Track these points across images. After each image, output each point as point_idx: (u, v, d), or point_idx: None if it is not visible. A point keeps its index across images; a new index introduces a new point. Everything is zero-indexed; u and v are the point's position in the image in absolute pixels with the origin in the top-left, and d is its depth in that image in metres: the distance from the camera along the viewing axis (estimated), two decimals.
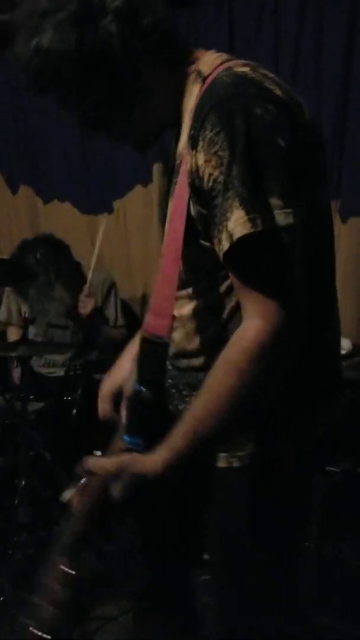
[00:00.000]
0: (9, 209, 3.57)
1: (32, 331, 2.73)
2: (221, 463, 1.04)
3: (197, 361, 1.06)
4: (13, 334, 2.88)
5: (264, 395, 0.92)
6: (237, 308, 0.96)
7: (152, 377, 1.02)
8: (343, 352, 2.32)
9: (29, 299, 2.79)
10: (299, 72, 2.52)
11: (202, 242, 0.96)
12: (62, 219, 3.31)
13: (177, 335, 1.07)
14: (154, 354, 1.02)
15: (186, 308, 1.06)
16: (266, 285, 0.87)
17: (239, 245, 0.86)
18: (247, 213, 0.84)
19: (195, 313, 1.05)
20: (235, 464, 1.03)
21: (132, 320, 2.93)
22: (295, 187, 0.88)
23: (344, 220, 2.48)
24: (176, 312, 1.05)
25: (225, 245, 0.87)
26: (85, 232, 3.24)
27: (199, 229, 0.95)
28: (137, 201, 3.05)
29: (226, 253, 0.88)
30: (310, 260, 0.93)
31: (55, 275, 2.71)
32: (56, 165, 3.32)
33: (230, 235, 0.86)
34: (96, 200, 3.19)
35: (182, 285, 1.03)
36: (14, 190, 3.52)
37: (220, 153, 0.86)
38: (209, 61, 0.99)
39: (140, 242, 3.10)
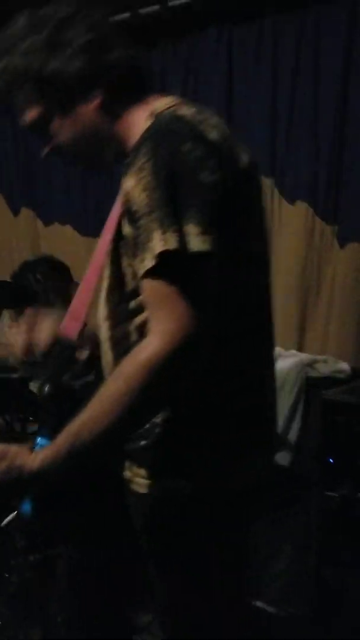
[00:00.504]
0: (9, 231, 3.61)
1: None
2: (141, 489, 1.04)
3: None
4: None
5: (146, 415, 0.95)
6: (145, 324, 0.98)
7: (56, 374, 1.08)
8: (341, 376, 2.33)
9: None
10: (296, 100, 2.56)
11: (124, 256, 1.01)
12: (62, 241, 3.34)
13: (103, 360, 1.09)
14: (62, 354, 1.09)
15: (127, 327, 1.06)
16: (171, 306, 0.90)
17: (153, 263, 0.89)
18: (164, 233, 0.89)
19: (112, 335, 1.07)
20: (146, 492, 1.03)
21: None
22: (216, 220, 0.91)
23: (342, 245, 2.50)
24: (109, 332, 1.07)
25: (142, 262, 0.91)
26: (85, 254, 3.28)
27: (124, 245, 1.00)
28: None
29: (141, 268, 0.92)
30: (239, 307, 0.99)
31: (54, 295, 2.72)
32: (56, 187, 3.37)
33: (149, 252, 0.90)
34: (96, 222, 3.23)
35: (111, 306, 1.06)
36: (15, 212, 3.57)
37: (146, 179, 0.92)
38: (164, 102, 1.05)
39: None
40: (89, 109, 1.07)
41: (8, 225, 3.60)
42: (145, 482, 1.03)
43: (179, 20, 2.71)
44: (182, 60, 2.83)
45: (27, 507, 1.03)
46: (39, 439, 1.03)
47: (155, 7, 2.69)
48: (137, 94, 1.08)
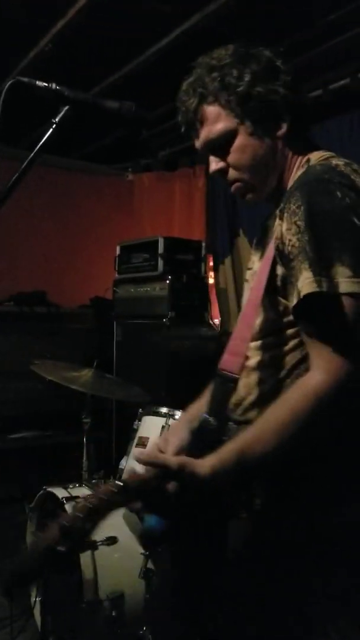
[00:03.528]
0: None
1: None
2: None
3: (252, 414, 1.14)
4: None
5: (304, 440, 1.01)
6: (296, 366, 1.08)
7: (219, 409, 1.13)
8: None
9: None
10: None
11: (280, 298, 1.11)
12: None
13: (240, 384, 1.15)
14: (223, 388, 1.14)
15: (253, 359, 1.16)
16: (330, 343, 0.98)
17: (306, 302, 0.98)
18: (314, 275, 0.96)
19: (260, 365, 1.15)
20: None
21: None
22: None
23: None
24: (254, 363, 1.16)
25: (294, 300, 1.01)
26: None
27: (279, 286, 1.10)
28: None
29: (294, 307, 1.02)
30: None
31: None
32: None
33: (299, 293, 0.99)
34: None
35: (254, 337, 1.15)
36: None
37: (298, 222, 1.01)
38: (318, 154, 1.16)
39: None
40: (274, 135, 1.16)
41: None
42: (261, 502, 1.09)
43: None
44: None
45: (152, 520, 1.08)
46: None
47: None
48: (303, 141, 1.19)
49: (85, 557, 2.11)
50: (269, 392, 1.12)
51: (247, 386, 1.16)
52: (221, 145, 1.17)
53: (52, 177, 4.47)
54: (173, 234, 4.10)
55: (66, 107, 1.15)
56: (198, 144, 1.21)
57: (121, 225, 4.73)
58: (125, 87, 3.26)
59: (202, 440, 1.10)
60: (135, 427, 2.36)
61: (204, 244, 3.79)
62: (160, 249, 3.55)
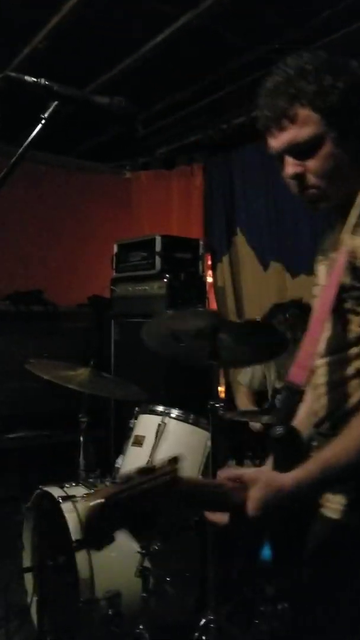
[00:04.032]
0: (260, 285, 3.91)
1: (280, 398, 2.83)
2: (334, 514, 1.11)
3: (339, 428, 1.13)
4: (242, 399, 3.04)
5: None
6: None
7: (286, 418, 1.15)
8: None
9: (277, 364, 2.97)
10: None
11: (351, 312, 1.14)
12: (309, 292, 3.41)
13: (316, 403, 1.20)
14: (290, 399, 1.16)
15: (337, 374, 1.19)
16: None
17: None
18: None
19: (344, 379, 1.17)
20: None
21: None
22: None
23: None
24: (326, 378, 1.20)
25: None
26: None
27: (349, 300, 1.13)
28: None
29: None
30: None
31: (301, 333, 2.84)
32: (304, 238, 3.55)
33: None
34: None
35: (334, 351, 1.19)
36: (265, 267, 3.88)
37: None
38: None
39: None
40: (355, 149, 1.17)
41: (258, 280, 3.90)
42: (340, 508, 1.10)
43: None
44: None
45: (267, 553, 1.08)
46: None
47: None
48: None
49: (81, 557, 2.11)
50: (355, 406, 1.14)
51: (333, 400, 1.19)
52: (306, 149, 1.16)
53: (50, 175, 4.46)
54: (171, 232, 4.09)
55: (55, 103, 1.14)
56: (277, 143, 1.19)
57: (119, 223, 4.72)
58: (121, 84, 3.25)
59: (277, 451, 1.12)
60: (131, 425, 2.35)
61: (201, 243, 3.78)
62: (158, 247, 3.54)
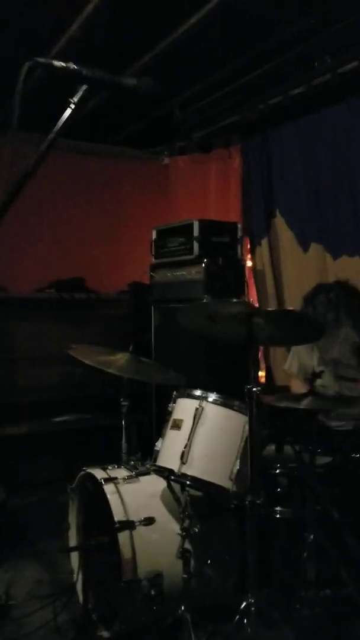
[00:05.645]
0: (300, 267, 3.85)
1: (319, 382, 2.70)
2: None
3: None
4: (296, 387, 3.06)
5: None
6: None
7: None
8: None
9: (319, 348, 2.92)
10: None
11: None
12: (351, 273, 3.40)
13: None
14: None
15: None
16: None
17: None
18: None
19: None
20: None
21: None
22: None
23: None
24: None
25: None
26: None
27: None
28: None
29: None
30: None
31: (345, 315, 2.84)
32: (345, 220, 3.50)
33: None
34: None
35: None
36: (305, 248, 3.81)
37: None
38: None
39: None
40: None
41: (298, 262, 3.85)
42: None
43: None
44: None
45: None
46: None
47: None
48: None
49: (123, 537, 2.15)
50: None
51: None
52: None
53: (89, 164, 4.50)
54: (209, 216, 4.06)
55: (84, 87, 1.14)
56: None
57: (158, 209, 4.72)
58: (155, 68, 3.23)
59: None
60: (170, 409, 2.37)
61: (239, 226, 3.74)
62: (196, 232, 3.52)
